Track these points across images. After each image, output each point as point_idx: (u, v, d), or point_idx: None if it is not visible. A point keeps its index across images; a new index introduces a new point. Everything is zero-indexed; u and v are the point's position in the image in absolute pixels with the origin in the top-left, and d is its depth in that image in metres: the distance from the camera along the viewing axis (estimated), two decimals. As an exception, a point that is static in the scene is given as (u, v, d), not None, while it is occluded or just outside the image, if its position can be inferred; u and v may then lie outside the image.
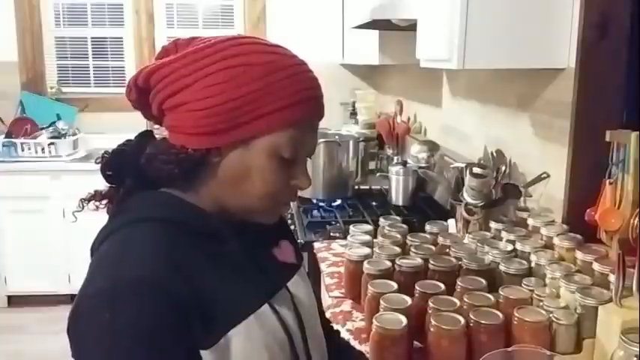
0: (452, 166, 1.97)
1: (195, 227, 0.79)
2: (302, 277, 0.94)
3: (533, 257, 1.31)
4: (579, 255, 1.26)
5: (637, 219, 1.18)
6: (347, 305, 1.43)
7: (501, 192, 1.66)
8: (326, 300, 1.50)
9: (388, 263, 1.37)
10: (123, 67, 4.05)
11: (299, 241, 1.81)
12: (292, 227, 2.21)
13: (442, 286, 1.23)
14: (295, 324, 0.85)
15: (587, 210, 1.33)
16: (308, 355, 0.87)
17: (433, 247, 1.48)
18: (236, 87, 0.74)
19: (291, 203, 0.88)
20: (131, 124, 3.78)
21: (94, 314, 0.69)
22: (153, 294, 0.68)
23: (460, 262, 1.34)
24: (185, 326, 0.70)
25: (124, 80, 4.05)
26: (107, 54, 4.05)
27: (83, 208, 0.83)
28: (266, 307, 0.80)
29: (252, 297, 0.80)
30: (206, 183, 0.80)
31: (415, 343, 1.15)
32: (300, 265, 0.96)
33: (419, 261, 1.36)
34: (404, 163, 2.39)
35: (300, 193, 2.74)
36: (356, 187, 2.56)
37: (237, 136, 0.76)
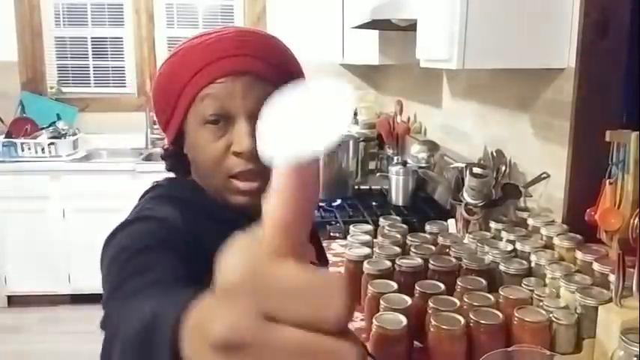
0: (452, 166, 1.97)
1: (211, 211, 0.83)
2: None
3: (533, 257, 1.31)
4: (579, 255, 1.26)
5: (637, 219, 1.19)
6: (347, 305, 1.42)
7: (501, 192, 1.66)
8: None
9: (388, 263, 1.36)
10: (123, 67, 4.05)
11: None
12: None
13: (442, 286, 1.23)
14: None
15: (587, 210, 1.33)
16: None
17: (433, 247, 1.48)
18: (158, 81, 0.85)
19: (255, 183, 0.81)
20: (131, 124, 3.82)
21: (111, 238, 0.75)
22: (160, 225, 0.74)
23: (460, 262, 1.34)
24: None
25: (124, 80, 4.05)
26: (107, 54, 4.05)
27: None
28: None
29: None
30: (193, 174, 0.87)
31: (415, 343, 1.15)
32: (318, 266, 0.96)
33: (419, 261, 1.36)
34: (404, 163, 2.39)
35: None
36: (356, 187, 2.56)
37: (177, 122, 0.83)
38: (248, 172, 0.80)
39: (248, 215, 0.83)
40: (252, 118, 0.79)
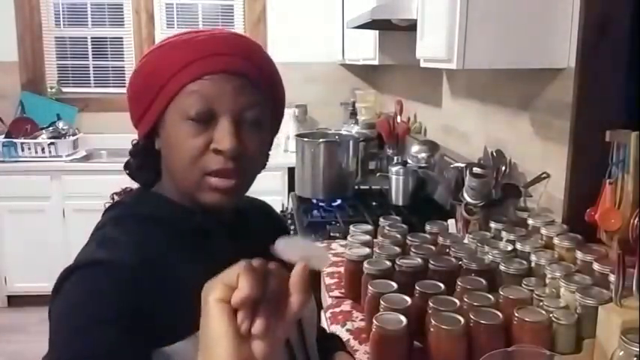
0: (452, 166, 1.97)
1: (179, 224, 0.81)
2: None
3: (533, 257, 1.31)
4: (579, 255, 1.26)
5: (637, 219, 1.18)
6: (347, 305, 1.43)
7: (501, 192, 1.66)
8: (326, 300, 1.50)
9: (388, 263, 1.36)
10: (123, 67, 4.06)
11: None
12: (292, 227, 2.21)
13: (442, 286, 1.23)
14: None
15: (587, 210, 1.33)
16: (305, 353, 0.86)
17: (433, 247, 1.48)
18: (138, 72, 0.82)
19: (232, 181, 0.79)
20: (131, 124, 3.81)
21: (57, 286, 0.78)
22: (106, 274, 0.72)
23: (460, 262, 1.34)
24: (132, 316, 0.69)
25: (124, 80, 4.05)
26: (107, 54, 4.05)
27: (113, 200, 0.89)
28: None
29: None
30: (164, 173, 0.85)
31: (415, 343, 1.15)
32: None
33: (419, 261, 1.36)
34: (404, 163, 2.39)
35: (299, 193, 2.73)
36: (356, 187, 2.56)
37: (154, 114, 0.80)
38: (226, 170, 0.78)
39: (223, 224, 0.84)
40: (237, 119, 0.77)
